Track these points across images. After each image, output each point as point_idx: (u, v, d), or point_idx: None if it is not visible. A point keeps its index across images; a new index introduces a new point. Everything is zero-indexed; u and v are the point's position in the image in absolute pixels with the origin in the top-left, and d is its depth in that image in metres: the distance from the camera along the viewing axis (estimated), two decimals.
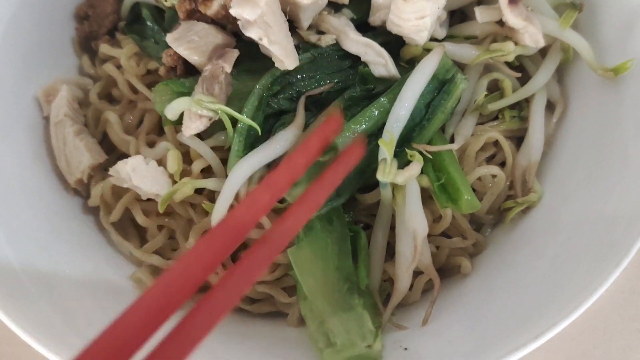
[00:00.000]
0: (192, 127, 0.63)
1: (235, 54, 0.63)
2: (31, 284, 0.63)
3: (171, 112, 0.63)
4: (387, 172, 0.59)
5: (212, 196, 0.68)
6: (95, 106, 0.78)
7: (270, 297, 0.69)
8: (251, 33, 0.63)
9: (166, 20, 0.74)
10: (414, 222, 0.62)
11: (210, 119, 0.63)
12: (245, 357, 0.64)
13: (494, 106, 0.71)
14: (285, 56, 0.63)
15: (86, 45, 0.85)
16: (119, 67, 0.79)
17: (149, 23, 0.76)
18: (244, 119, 0.63)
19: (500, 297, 0.64)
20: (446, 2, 0.69)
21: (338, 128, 0.59)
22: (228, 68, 0.61)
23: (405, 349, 0.60)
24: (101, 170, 0.75)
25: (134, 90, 0.77)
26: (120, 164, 0.67)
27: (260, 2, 0.61)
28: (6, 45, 0.76)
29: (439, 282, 0.64)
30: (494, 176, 0.70)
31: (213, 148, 0.67)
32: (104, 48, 0.80)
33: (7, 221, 0.66)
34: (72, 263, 0.70)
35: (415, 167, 0.61)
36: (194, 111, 0.62)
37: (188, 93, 0.65)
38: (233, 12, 0.62)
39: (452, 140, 0.69)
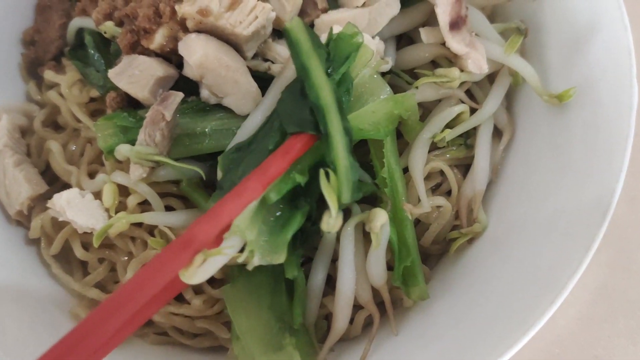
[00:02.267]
0: (136, 174, 0.63)
1: (177, 97, 0.62)
2: None
3: (118, 155, 0.63)
4: (332, 225, 0.55)
5: (152, 229, 0.67)
6: (39, 134, 0.77)
7: (210, 331, 0.68)
8: (189, 74, 0.63)
9: (111, 52, 0.73)
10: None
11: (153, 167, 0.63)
12: None
13: (448, 136, 0.69)
14: (233, 105, 0.65)
15: (33, 70, 0.83)
16: (62, 94, 0.77)
17: (90, 50, 0.75)
18: (184, 166, 0.62)
19: (443, 328, 0.63)
20: (388, 27, 0.69)
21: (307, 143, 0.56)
22: (168, 116, 0.60)
23: None
24: (43, 201, 0.73)
25: (78, 119, 0.76)
26: (55, 197, 0.66)
27: (197, 50, 0.62)
28: None
29: (378, 317, 0.63)
30: (439, 207, 0.69)
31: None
32: (48, 74, 0.78)
33: None
34: (13, 295, 0.69)
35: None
36: (135, 161, 0.61)
37: (132, 128, 0.64)
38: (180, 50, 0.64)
39: (405, 170, 0.68)
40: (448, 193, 0.72)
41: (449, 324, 0.63)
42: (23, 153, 0.75)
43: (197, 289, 0.67)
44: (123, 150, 0.63)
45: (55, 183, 0.75)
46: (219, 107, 0.67)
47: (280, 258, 0.55)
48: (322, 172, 0.54)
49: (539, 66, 0.70)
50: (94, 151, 0.74)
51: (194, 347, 0.69)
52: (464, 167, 0.73)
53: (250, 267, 0.54)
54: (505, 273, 0.64)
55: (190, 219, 0.66)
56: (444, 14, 0.67)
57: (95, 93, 0.74)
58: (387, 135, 0.64)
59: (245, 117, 0.66)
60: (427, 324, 0.64)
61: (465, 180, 0.71)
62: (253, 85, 0.66)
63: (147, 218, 0.65)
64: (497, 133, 0.74)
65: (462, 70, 0.69)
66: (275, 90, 0.66)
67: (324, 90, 0.57)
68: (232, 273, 0.63)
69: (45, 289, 0.72)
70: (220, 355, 0.68)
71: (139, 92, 0.66)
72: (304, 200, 0.59)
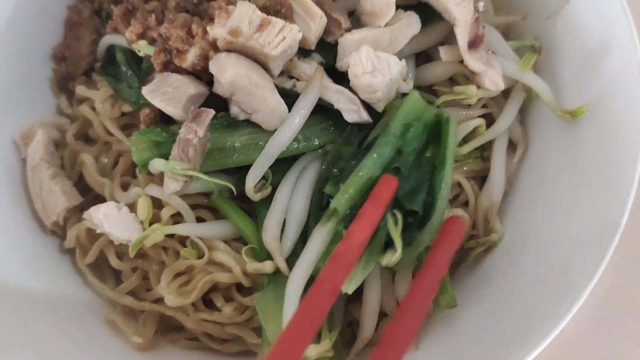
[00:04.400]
0: (170, 188, 0.66)
1: (209, 114, 0.65)
2: (9, 323, 0.65)
3: (152, 169, 0.66)
4: (392, 262, 0.60)
5: (183, 239, 0.70)
6: (72, 147, 0.80)
7: (240, 337, 0.71)
8: (219, 91, 0.66)
9: (143, 69, 0.76)
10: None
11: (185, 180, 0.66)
12: None
13: (465, 149, 0.73)
14: (261, 121, 0.68)
15: (63, 85, 0.87)
16: (94, 108, 0.80)
17: (123, 67, 0.78)
18: (215, 180, 0.65)
19: (463, 337, 0.66)
20: (408, 46, 0.72)
21: (392, 186, 0.60)
22: (201, 132, 0.63)
23: None
24: (77, 212, 0.77)
25: (109, 132, 0.79)
26: (93, 210, 0.69)
27: (228, 69, 0.65)
28: None
29: None
30: None
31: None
32: (80, 89, 0.82)
33: None
34: (49, 303, 0.72)
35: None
36: (169, 176, 0.64)
37: (165, 143, 0.67)
38: (211, 68, 0.67)
39: None
40: (465, 204, 0.75)
41: (469, 332, 0.65)
42: (58, 166, 0.78)
43: (228, 297, 0.70)
44: (157, 165, 0.66)
45: (87, 194, 0.79)
46: (248, 123, 0.71)
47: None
48: (389, 216, 0.58)
49: (552, 82, 0.73)
50: (126, 164, 0.77)
51: (223, 352, 0.73)
52: (480, 178, 0.76)
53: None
54: (521, 282, 0.67)
55: (220, 229, 0.70)
56: (463, 34, 0.70)
57: (127, 108, 0.78)
58: None
59: (272, 132, 0.69)
60: (448, 333, 0.67)
61: (482, 192, 0.74)
62: (280, 102, 0.69)
63: (181, 229, 0.68)
64: (511, 146, 0.77)
65: (478, 87, 0.72)
66: (299, 108, 0.69)
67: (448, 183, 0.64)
68: (262, 281, 0.67)
69: (80, 296, 0.75)
70: None
71: (172, 108, 0.69)
72: None
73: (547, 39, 0.76)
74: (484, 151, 0.75)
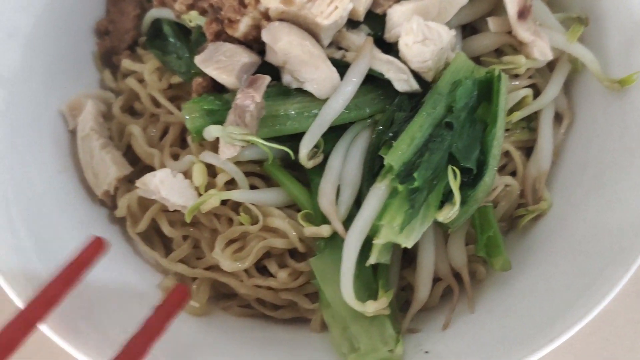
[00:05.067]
0: (226, 153, 0.66)
1: (266, 80, 0.66)
2: None
3: (207, 135, 0.66)
4: (449, 218, 0.61)
5: (236, 206, 0.71)
6: (119, 119, 0.81)
7: (294, 303, 0.72)
8: (272, 60, 0.67)
9: (192, 40, 0.77)
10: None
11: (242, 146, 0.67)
12: None
13: (514, 117, 0.73)
14: (313, 89, 0.69)
15: (107, 59, 0.87)
16: (140, 81, 0.81)
17: (171, 39, 0.79)
18: (273, 145, 0.66)
19: (516, 302, 0.67)
20: (456, 17, 0.73)
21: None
22: (258, 98, 0.64)
23: (427, 352, 0.63)
24: (126, 182, 0.77)
25: (157, 104, 0.80)
26: (148, 177, 0.70)
27: (282, 37, 0.66)
28: (28, 58, 0.78)
29: (457, 289, 0.67)
30: (507, 185, 0.73)
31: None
32: (126, 63, 0.82)
33: (37, 230, 0.69)
34: (99, 271, 0.72)
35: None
36: (226, 141, 0.65)
37: (218, 111, 0.67)
38: (264, 37, 0.67)
39: None
40: (512, 174, 0.76)
41: (521, 297, 0.66)
42: (107, 137, 0.79)
43: (281, 264, 0.71)
44: (214, 131, 0.66)
45: (135, 166, 0.79)
46: (299, 91, 0.71)
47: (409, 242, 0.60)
48: (449, 170, 0.60)
49: (599, 53, 0.74)
50: (175, 135, 0.78)
51: (276, 319, 0.73)
52: (527, 150, 0.77)
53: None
54: (572, 249, 0.68)
55: (274, 196, 0.70)
56: (512, 4, 0.71)
57: (175, 79, 0.78)
58: None
59: (324, 101, 0.70)
60: (501, 298, 0.68)
61: (530, 161, 0.75)
62: (333, 71, 0.70)
63: (236, 195, 0.69)
64: (557, 118, 0.78)
65: (527, 57, 0.73)
66: (351, 77, 0.70)
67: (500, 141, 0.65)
68: (318, 245, 0.67)
69: (130, 264, 0.76)
70: (302, 326, 0.72)
71: (226, 77, 0.70)
72: None
73: (593, 11, 0.77)
74: (531, 122, 0.76)
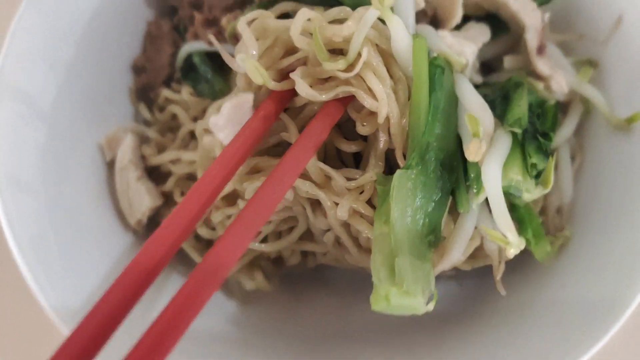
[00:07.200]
0: None
1: None
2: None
3: None
4: (478, 155, 0.60)
5: None
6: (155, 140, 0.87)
7: None
8: None
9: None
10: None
11: None
12: None
13: None
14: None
15: (143, 94, 0.92)
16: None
17: (200, 67, 0.85)
18: None
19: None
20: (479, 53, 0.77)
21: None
22: None
23: None
24: (157, 215, 0.82)
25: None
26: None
27: None
28: (66, 91, 0.81)
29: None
30: None
31: None
32: (166, 93, 0.88)
33: (70, 255, 0.71)
34: None
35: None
36: None
37: None
38: None
39: None
40: None
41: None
42: (142, 169, 0.82)
43: None
44: None
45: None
46: None
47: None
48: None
49: (603, 95, 0.78)
50: None
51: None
52: None
53: None
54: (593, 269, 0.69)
55: None
56: (532, 40, 0.74)
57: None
58: None
59: None
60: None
61: (550, 194, 0.77)
62: None
63: None
64: None
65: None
66: None
67: None
68: (410, 162, 0.61)
69: None
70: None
71: None
72: None
73: (596, 55, 0.81)
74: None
